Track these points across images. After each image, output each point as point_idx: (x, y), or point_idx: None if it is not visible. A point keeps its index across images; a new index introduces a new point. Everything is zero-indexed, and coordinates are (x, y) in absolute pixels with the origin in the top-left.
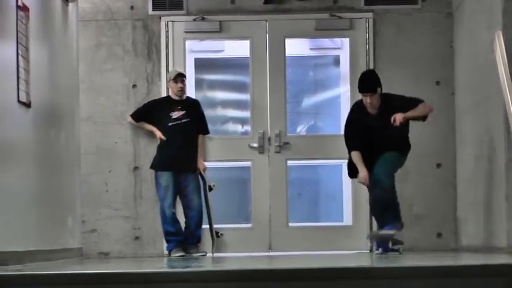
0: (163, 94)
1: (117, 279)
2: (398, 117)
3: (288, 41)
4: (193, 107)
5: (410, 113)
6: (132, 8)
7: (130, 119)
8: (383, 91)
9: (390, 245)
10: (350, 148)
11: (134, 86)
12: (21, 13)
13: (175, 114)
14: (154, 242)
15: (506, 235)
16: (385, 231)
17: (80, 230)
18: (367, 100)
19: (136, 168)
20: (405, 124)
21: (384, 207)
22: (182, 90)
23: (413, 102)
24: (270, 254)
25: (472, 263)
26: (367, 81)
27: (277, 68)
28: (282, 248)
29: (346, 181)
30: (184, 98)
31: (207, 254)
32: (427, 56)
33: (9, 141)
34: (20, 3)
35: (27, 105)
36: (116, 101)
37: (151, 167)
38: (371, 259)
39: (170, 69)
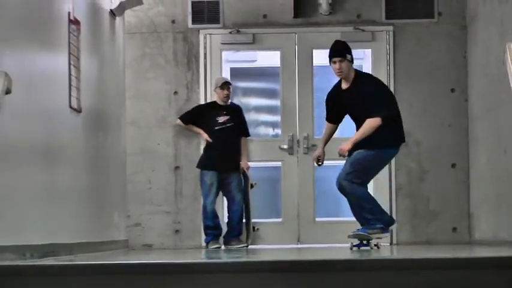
0: (202, 100)
1: (160, 269)
2: (342, 150)
3: (315, 52)
4: (236, 112)
5: (355, 137)
6: (173, 21)
7: (179, 121)
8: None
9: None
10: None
11: (175, 93)
12: (72, 26)
13: (221, 119)
14: (193, 235)
15: None
16: (358, 233)
17: (125, 224)
18: (336, 67)
19: (177, 167)
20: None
21: (352, 209)
22: (228, 96)
23: (371, 108)
24: (299, 246)
25: (484, 255)
26: (335, 46)
27: (305, 76)
28: (310, 240)
29: None
30: (229, 103)
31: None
32: (442, 66)
33: (61, 143)
34: (71, 18)
35: (78, 110)
36: (159, 106)
37: (198, 166)
38: (391, 251)
39: (208, 77)
